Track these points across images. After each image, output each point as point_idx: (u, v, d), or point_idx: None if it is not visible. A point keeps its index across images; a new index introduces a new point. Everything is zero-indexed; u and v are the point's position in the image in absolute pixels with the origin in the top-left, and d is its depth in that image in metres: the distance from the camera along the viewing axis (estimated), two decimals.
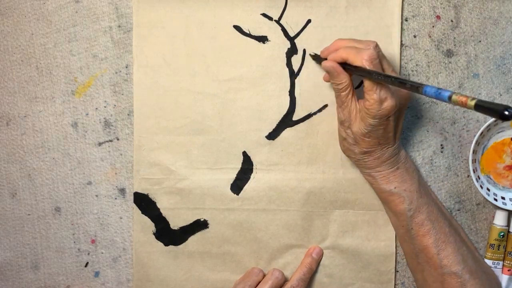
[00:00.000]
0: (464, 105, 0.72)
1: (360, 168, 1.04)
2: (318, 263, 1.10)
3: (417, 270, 1.03)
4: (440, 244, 0.98)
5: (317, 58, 1.06)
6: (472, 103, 0.70)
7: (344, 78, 0.95)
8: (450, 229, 1.01)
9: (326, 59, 1.00)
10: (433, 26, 1.07)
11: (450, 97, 0.74)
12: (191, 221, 1.09)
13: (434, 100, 1.07)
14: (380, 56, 0.94)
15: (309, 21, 1.06)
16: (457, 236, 1.01)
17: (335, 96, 1.00)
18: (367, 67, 0.91)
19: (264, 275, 1.08)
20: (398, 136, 1.00)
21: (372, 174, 1.02)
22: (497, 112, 0.67)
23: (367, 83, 0.91)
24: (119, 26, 1.07)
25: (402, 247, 1.07)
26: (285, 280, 1.07)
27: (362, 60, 0.91)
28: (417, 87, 0.80)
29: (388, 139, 0.97)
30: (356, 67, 0.93)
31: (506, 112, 0.66)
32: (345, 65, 0.96)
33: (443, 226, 1.00)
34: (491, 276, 1.06)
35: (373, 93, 0.91)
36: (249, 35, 1.07)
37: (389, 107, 0.91)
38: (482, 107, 0.69)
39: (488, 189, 1.07)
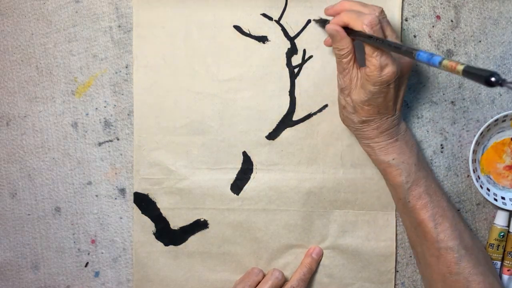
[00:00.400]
0: (453, 70, 0.71)
1: (359, 138, 1.03)
2: (318, 263, 1.10)
3: (415, 244, 1.04)
4: (438, 218, 0.98)
5: (321, 22, 1.05)
6: (461, 68, 0.70)
7: (346, 43, 0.94)
8: (448, 204, 1.01)
9: (328, 21, 0.99)
10: (433, 26, 1.07)
11: (440, 62, 0.74)
12: (191, 221, 1.09)
13: (434, 100, 1.08)
14: (383, 22, 0.94)
15: (309, 21, 1.06)
16: (456, 212, 1.01)
17: (336, 62, 0.98)
18: (367, 32, 0.89)
19: (264, 275, 1.08)
20: (398, 107, 0.99)
21: (370, 145, 1.01)
22: (483, 78, 0.67)
23: (368, 49, 0.90)
24: (119, 26, 1.07)
25: (402, 221, 1.07)
26: (285, 280, 1.07)
27: (363, 25, 0.90)
28: (411, 52, 0.80)
29: (388, 108, 0.96)
30: (356, 31, 0.91)
31: (493, 78, 0.66)
32: (347, 30, 0.93)
33: (441, 201, 1.00)
34: (486, 256, 1.06)
35: (373, 59, 0.90)
36: (249, 35, 1.07)
37: (390, 73, 0.90)
38: (469, 72, 0.69)
39: (488, 189, 1.07)
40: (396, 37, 0.95)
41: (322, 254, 1.09)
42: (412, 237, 1.04)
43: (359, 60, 0.95)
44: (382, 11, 0.94)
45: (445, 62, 0.73)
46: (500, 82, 0.65)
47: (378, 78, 0.90)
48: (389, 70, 0.90)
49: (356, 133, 1.03)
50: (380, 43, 0.87)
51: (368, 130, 0.99)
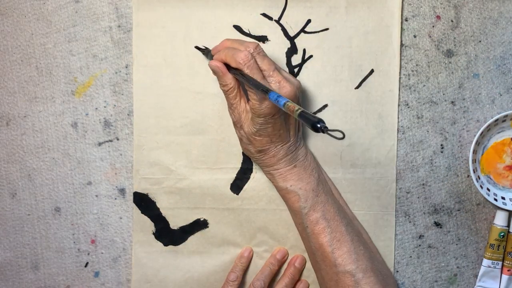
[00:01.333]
0: (292, 112, 0.77)
1: (260, 166, 1.05)
2: (301, 273, 1.10)
3: (316, 269, 1.05)
4: (335, 242, 0.98)
5: (205, 51, 1.07)
6: (298, 112, 0.76)
7: (228, 79, 0.96)
8: (347, 228, 1.01)
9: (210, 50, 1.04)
10: (433, 26, 1.08)
11: (284, 104, 0.80)
12: (191, 221, 1.09)
13: (434, 100, 1.08)
14: (258, 57, 0.96)
15: (309, 21, 1.06)
16: (355, 236, 1.01)
17: (225, 98, 1.01)
18: (242, 69, 0.93)
19: (252, 255, 1.10)
20: (292, 133, 1.00)
21: (270, 172, 1.02)
22: (310, 123, 0.73)
23: (247, 86, 0.94)
24: (119, 26, 1.07)
25: (304, 245, 1.07)
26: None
27: (237, 62, 0.93)
28: (266, 91, 0.85)
29: (280, 136, 0.98)
30: (232, 68, 0.95)
31: (318, 125, 0.73)
32: (229, 66, 0.97)
33: (339, 225, 1.00)
34: (387, 277, 1.05)
35: (252, 93, 0.93)
36: (249, 35, 1.07)
37: (270, 106, 0.92)
38: (303, 116, 0.75)
39: (488, 189, 1.07)
40: (274, 69, 0.96)
41: (305, 263, 1.10)
42: (312, 261, 1.05)
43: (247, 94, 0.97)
44: (257, 46, 0.96)
45: (288, 104, 0.79)
46: (323, 129, 0.73)
47: (260, 111, 0.93)
48: (269, 103, 0.91)
49: (257, 162, 1.05)
50: (245, 80, 0.92)
51: (266, 158, 1.01)
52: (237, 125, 1.00)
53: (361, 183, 1.08)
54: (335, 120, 1.07)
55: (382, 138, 1.08)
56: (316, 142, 1.08)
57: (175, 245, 1.09)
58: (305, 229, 1.01)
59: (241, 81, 0.97)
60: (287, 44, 1.07)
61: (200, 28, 1.07)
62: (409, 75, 1.08)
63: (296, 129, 1.02)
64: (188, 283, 1.10)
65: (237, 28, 1.07)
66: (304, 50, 1.07)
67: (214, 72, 0.98)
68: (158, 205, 1.09)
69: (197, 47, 1.07)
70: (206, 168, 1.08)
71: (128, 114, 1.08)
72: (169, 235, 1.09)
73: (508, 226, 1.09)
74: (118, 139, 1.08)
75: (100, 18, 1.07)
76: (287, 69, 1.07)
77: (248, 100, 0.96)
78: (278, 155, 0.99)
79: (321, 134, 0.73)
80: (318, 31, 1.07)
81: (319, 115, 1.07)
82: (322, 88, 1.07)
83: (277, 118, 0.95)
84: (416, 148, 1.09)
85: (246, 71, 0.92)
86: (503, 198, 1.08)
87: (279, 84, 0.94)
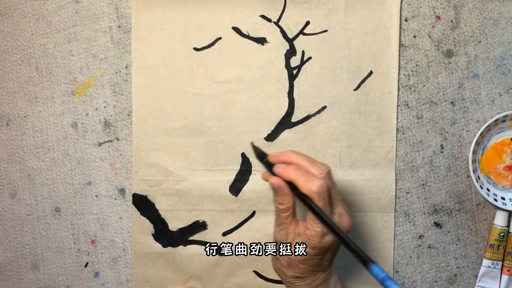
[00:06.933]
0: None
1: (287, 285, 0.97)
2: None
3: None
4: None
5: (259, 153, 0.98)
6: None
7: (287, 200, 0.89)
8: None
9: (271, 164, 0.93)
10: (433, 26, 1.07)
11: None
12: (190, 223, 1.09)
13: (434, 100, 1.08)
14: (330, 185, 0.88)
15: (307, 23, 1.06)
16: None
17: (275, 213, 0.93)
18: (313, 198, 0.85)
19: None
20: (332, 263, 0.95)
21: None
22: None
23: (311, 214, 0.86)
24: (119, 27, 1.07)
25: None
26: None
27: (311, 191, 0.84)
28: (366, 261, 0.82)
29: (323, 267, 0.92)
30: (302, 194, 0.86)
31: None
32: (291, 184, 0.88)
33: None
34: None
35: (316, 225, 0.85)
36: (248, 36, 1.07)
37: (330, 241, 0.86)
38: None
39: (488, 189, 1.07)
40: (339, 199, 0.90)
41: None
42: None
43: (300, 213, 0.92)
44: (329, 172, 0.88)
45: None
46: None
47: (318, 244, 0.86)
48: (330, 238, 0.86)
49: (287, 285, 0.97)
50: (312, 210, 0.85)
51: (301, 285, 0.93)
52: None
53: (360, 184, 1.08)
54: (334, 121, 1.07)
55: (381, 140, 1.08)
56: (316, 143, 1.08)
57: (174, 246, 1.10)
58: None
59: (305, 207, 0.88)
60: (286, 45, 1.07)
61: (199, 30, 1.07)
62: (409, 75, 1.07)
63: (335, 258, 0.95)
64: (188, 283, 1.10)
65: (236, 29, 1.07)
66: (303, 52, 1.07)
67: (274, 189, 0.90)
68: (157, 206, 1.09)
69: (252, 145, 0.99)
70: (205, 169, 1.08)
71: (128, 114, 1.08)
72: (168, 237, 1.09)
73: (508, 226, 1.09)
74: (118, 139, 1.09)
75: (100, 19, 1.07)
76: (286, 71, 1.07)
77: (298, 222, 0.91)
78: (314, 283, 0.93)
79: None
80: (317, 33, 1.07)
81: (317, 116, 1.07)
82: (321, 90, 1.07)
83: (329, 252, 0.90)
84: (416, 148, 1.09)
85: (319, 203, 0.84)
86: (503, 198, 1.08)
87: (339, 217, 0.89)
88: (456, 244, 1.11)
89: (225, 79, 1.07)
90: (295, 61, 1.07)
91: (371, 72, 1.07)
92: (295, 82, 1.07)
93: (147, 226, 1.09)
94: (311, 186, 0.84)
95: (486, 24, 1.07)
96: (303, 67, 1.07)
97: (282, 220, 0.91)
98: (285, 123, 1.07)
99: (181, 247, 1.10)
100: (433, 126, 1.09)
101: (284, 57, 1.07)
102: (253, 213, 1.09)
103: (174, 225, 1.09)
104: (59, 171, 1.09)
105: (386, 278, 0.77)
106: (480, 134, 1.04)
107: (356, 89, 1.07)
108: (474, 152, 1.05)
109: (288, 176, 0.88)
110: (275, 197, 0.90)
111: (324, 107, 1.07)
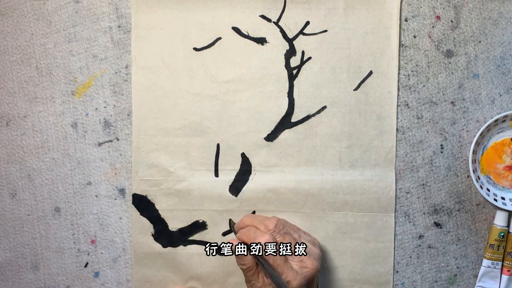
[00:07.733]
0: None
1: None
2: None
3: None
4: None
5: (233, 227, 1.04)
6: None
7: (247, 260, 0.93)
8: None
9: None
10: (433, 27, 1.07)
11: None
12: (190, 223, 1.09)
13: (434, 100, 1.08)
14: (279, 236, 0.94)
15: (307, 23, 1.06)
16: None
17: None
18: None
19: None
20: None
21: None
22: None
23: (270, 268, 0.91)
24: (119, 27, 1.07)
25: None
26: None
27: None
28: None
29: None
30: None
31: None
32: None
33: None
34: None
35: (269, 281, 0.91)
36: (247, 36, 1.07)
37: (299, 284, 0.89)
38: None
39: (488, 189, 1.07)
40: (299, 236, 0.96)
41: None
42: None
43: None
44: (276, 224, 0.95)
45: None
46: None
47: None
48: (298, 282, 0.89)
49: None
50: (264, 268, 0.90)
51: None
52: None
53: (360, 184, 1.08)
54: (334, 121, 1.07)
55: (381, 140, 1.08)
56: (316, 143, 1.08)
57: (174, 246, 1.09)
58: None
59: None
60: (286, 46, 1.07)
61: (199, 30, 1.07)
62: (409, 75, 1.07)
63: None
64: (188, 283, 1.10)
65: (236, 29, 1.07)
66: (303, 52, 1.07)
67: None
68: (157, 206, 1.09)
69: (230, 221, 1.08)
70: (204, 170, 1.08)
71: (128, 114, 1.08)
72: (168, 237, 1.09)
73: (508, 226, 1.09)
74: (118, 139, 1.09)
75: (100, 19, 1.07)
76: (286, 71, 1.07)
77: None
78: None
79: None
80: (317, 33, 1.07)
81: (317, 116, 1.07)
82: (321, 90, 1.07)
83: (312, 284, 0.93)
84: (416, 149, 1.09)
85: (268, 258, 0.90)
86: (503, 198, 1.08)
87: (300, 263, 0.92)
88: (456, 244, 1.11)
89: (225, 79, 1.07)
90: (295, 61, 1.07)
91: (371, 72, 1.07)
92: (295, 82, 1.07)
93: (147, 226, 1.09)
94: (256, 241, 0.91)
95: (486, 24, 1.07)
96: (303, 67, 1.07)
97: (249, 278, 0.94)
98: (285, 123, 1.07)
99: (181, 247, 1.09)
100: (433, 126, 1.08)
101: (284, 57, 1.07)
102: (253, 213, 1.09)
103: (174, 225, 1.09)
104: (59, 171, 1.09)
105: None
106: (480, 134, 1.04)
107: (356, 89, 1.07)
108: (474, 152, 1.05)
109: (241, 238, 0.95)
110: (236, 259, 0.95)
111: (324, 107, 1.07)
